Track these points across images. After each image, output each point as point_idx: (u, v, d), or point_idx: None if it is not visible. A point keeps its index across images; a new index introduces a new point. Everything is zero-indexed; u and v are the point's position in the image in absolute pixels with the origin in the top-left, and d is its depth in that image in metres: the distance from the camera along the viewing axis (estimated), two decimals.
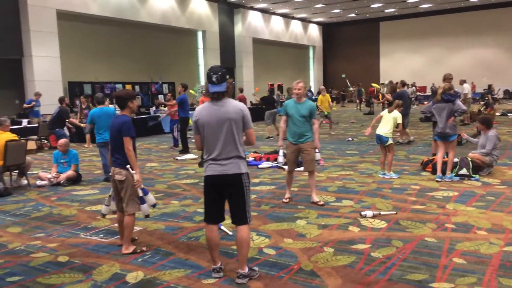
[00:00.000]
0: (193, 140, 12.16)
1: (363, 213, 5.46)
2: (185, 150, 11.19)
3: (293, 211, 5.82)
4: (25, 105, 15.97)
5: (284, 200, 6.26)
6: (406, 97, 11.89)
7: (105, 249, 4.63)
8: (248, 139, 3.75)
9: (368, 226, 5.10)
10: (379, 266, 3.97)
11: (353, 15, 36.12)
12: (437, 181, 7.25)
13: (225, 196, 3.72)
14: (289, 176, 6.30)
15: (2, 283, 3.87)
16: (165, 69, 25.51)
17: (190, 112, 11.93)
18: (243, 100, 14.61)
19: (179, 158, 10.58)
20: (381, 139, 7.60)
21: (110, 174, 4.68)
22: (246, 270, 3.72)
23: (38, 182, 7.96)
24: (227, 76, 3.68)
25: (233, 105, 3.66)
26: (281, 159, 6.84)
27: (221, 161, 3.62)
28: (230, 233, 4.89)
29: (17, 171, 7.98)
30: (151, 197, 4.58)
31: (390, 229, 4.96)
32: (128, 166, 4.40)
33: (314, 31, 39.44)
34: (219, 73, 3.62)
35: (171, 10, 25.22)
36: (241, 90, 15.15)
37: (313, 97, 20.67)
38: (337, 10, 33.91)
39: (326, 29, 40.29)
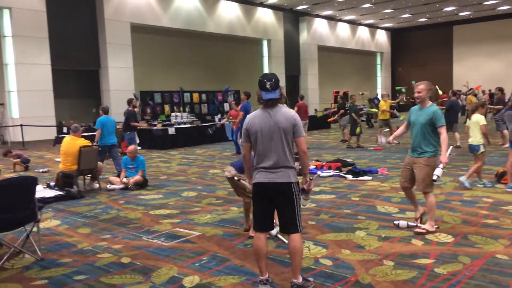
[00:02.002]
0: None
1: (395, 222, 5.31)
2: None
3: (352, 221, 5.66)
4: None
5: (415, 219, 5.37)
6: (455, 106, 12.56)
7: (165, 253, 4.76)
8: (298, 147, 3.64)
9: (433, 240, 4.83)
10: (443, 283, 3.74)
11: (424, 19, 34.79)
12: (507, 192, 6.87)
13: (275, 204, 3.68)
14: (405, 193, 5.41)
15: (69, 281, 4.10)
16: (230, 77, 26.05)
17: None
18: (303, 107, 14.27)
19: None
20: (472, 149, 7.35)
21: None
22: (300, 279, 3.65)
23: (109, 186, 8.40)
24: (280, 84, 3.64)
25: (284, 113, 3.60)
26: (438, 171, 4.96)
27: (271, 169, 3.59)
28: (286, 241, 4.84)
29: (90, 175, 8.47)
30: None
31: (457, 244, 4.66)
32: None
33: (382, 37, 38.47)
34: (273, 80, 3.59)
35: (237, 20, 25.76)
36: (302, 98, 14.87)
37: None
38: (407, 15, 32.85)
39: (395, 34, 39.16)
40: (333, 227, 5.45)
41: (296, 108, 13.80)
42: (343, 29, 33.91)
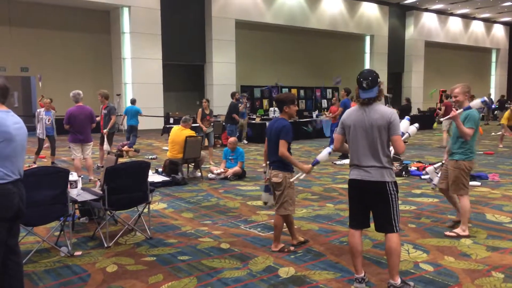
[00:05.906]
0: None
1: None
2: (344, 155, 11.13)
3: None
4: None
5: None
6: None
7: (262, 242, 4.91)
8: (394, 146, 3.53)
9: None
10: None
11: None
12: None
13: (369, 203, 3.60)
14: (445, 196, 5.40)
15: (174, 260, 4.43)
16: (330, 74, 25.75)
17: None
18: (450, 106, 13.36)
19: (337, 162, 10.59)
20: None
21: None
22: (399, 281, 3.54)
23: (210, 175, 8.83)
24: (379, 80, 3.54)
25: (381, 111, 3.50)
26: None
27: (364, 167, 3.54)
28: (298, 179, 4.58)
29: (193, 164, 8.99)
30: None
31: None
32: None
33: (499, 32, 35.30)
34: (369, 78, 3.50)
35: (340, 16, 25.36)
36: (447, 97, 13.83)
37: (493, 105, 18.57)
38: None
39: None
40: (436, 232, 5.19)
41: (443, 107, 13.33)
42: (454, 24, 31.71)
